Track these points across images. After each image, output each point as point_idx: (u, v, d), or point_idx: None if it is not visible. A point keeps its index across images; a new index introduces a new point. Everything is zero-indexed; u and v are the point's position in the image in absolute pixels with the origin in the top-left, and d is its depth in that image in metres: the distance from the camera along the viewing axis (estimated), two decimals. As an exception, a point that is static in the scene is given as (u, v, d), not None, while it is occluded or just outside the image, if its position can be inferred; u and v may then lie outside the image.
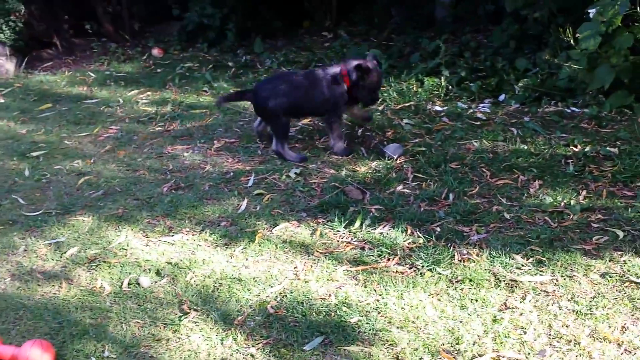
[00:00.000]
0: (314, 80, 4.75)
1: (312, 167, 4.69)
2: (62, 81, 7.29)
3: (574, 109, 5.47)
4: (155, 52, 8.14)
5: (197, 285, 3.42)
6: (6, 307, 3.27)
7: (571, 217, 3.82)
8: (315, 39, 8.64)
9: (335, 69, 4.78)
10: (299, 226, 3.96)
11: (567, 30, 5.46)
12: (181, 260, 3.64)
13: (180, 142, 5.32)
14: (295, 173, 4.60)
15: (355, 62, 4.73)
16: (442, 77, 6.27)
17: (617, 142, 4.71)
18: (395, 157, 4.68)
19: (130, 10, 8.79)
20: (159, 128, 5.62)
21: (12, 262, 3.71)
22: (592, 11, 5.00)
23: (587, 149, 4.62)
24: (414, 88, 6.22)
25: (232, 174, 4.67)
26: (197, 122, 5.67)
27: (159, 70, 7.41)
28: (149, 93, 6.55)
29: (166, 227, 4.02)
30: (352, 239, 3.79)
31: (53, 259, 3.72)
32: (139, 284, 3.46)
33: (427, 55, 7.04)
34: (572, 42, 5.55)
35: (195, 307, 3.23)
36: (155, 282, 3.48)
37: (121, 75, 7.29)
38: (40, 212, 4.27)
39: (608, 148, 4.61)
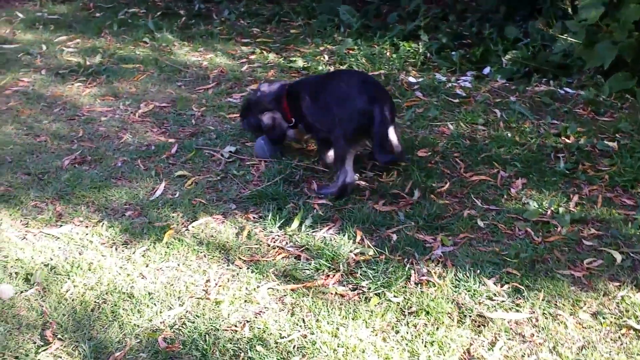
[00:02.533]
0: None
1: (252, 144, 3.86)
2: (-17, 20, 6.31)
3: (567, 89, 4.68)
4: (100, -8, 7.11)
5: (73, 300, 2.62)
6: None
7: (559, 230, 3.07)
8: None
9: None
10: (223, 222, 3.16)
11: (567, -5, 4.64)
12: (61, 263, 2.83)
13: (100, 103, 4.43)
14: (231, 152, 3.77)
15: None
16: (420, 43, 5.42)
17: (617, 135, 3.94)
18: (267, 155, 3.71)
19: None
20: (79, 84, 4.71)
21: None
22: (598, -25, 4.17)
23: (582, 141, 3.85)
24: (388, 53, 5.37)
25: (153, 147, 3.82)
26: (127, 79, 4.78)
27: (97, 14, 6.42)
28: (78, 40, 5.60)
29: (55, 214, 3.19)
30: (286, 243, 3.01)
31: None
32: (-2, 293, 2.65)
33: (406, 17, 6.16)
34: (570, 10, 4.75)
35: (61, 334, 2.44)
36: (21, 292, 2.67)
37: (53, 18, 6.29)
38: None
39: (606, 142, 3.84)
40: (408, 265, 2.82)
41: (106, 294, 2.66)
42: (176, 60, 5.14)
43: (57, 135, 3.95)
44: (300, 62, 5.12)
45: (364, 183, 3.47)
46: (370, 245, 2.96)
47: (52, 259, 2.86)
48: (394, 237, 3.03)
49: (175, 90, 4.61)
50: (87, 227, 3.10)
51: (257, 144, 3.71)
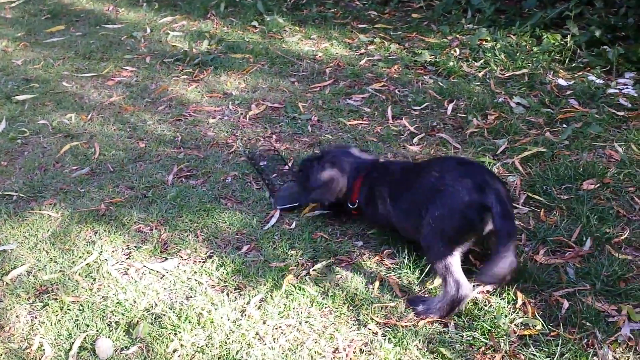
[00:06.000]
0: None
1: (379, 162, 3.30)
2: (87, -5, 6.01)
3: None
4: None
5: (180, 367, 2.20)
6: None
7: None
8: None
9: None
10: (349, 264, 2.66)
11: None
12: (167, 312, 2.41)
13: (208, 101, 3.99)
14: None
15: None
16: (568, 36, 4.65)
17: None
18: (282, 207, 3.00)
19: None
20: (185, 76, 4.29)
21: None
22: None
23: None
24: (528, 47, 4.64)
25: (266, 161, 3.35)
26: (236, 71, 4.31)
27: (204, -9, 5.99)
28: (184, 23, 5.19)
29: (160, 243, 2.78)
30: (428, 300, 2.47)
31: (-12, 283, 2.57)
32: (94, 349, 2.27)
33: (547, 1, 5.35)
34: None
35: (167, 418, 2.02)
36: (121, 349, 2.28)
37: (158, -6, 5.93)
38: (-3, 194, 3.11)
39: None
40: (590, 349, 2.21)
41: (218, 359, 2.22)
42: (288, 50, 4.63)
43: (162, 140, 3.55)
44: (426, 56, 4.49)
45: (517, 222, 2.86)
46: (537, 315, 2.37)
47: (156, 305, 2.45)
48: (565, 304, 2.42)
49: (288, 87, 4.11)
50: (195, 262, 2.67)
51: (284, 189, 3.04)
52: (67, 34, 5.02)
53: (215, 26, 5.10)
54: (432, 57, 4.50)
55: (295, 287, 2.52)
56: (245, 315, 2.41)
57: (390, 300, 2.48)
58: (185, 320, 2.37)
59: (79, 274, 2.59)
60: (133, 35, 4.94)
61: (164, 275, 2.60)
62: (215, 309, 2.43)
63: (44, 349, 2.27)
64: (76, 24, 5.25)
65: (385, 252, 2.71)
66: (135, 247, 2.75)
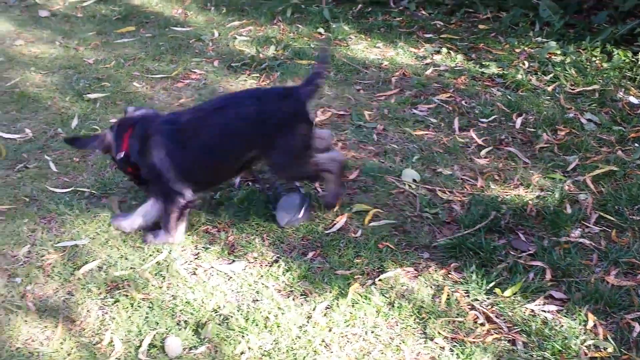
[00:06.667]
0: None
1: (446, 174, 3.28)
2: (156, -2, 6.13)
3: None
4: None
5: (247, 369, 2.23)
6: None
7: None
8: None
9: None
10: (415, 277, 2.64)
11: None
12: (234, 314, 2.45)
13: (274, 106, 4.03)
14: (415, 180, 3.21)
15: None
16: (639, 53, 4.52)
17: None
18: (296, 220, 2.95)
19: None
20: (252, 81, 4.34)
21: (5, 271, 2.68)
22: None
23: None
24: (598, 63, 4.52)
25: (332, 167, 3.36)
26: (302, 77, 4.33)
27: (270, -3, 6.05)
28: (251, 28, 5.25)
29: (227, 245, 2.82)
30: (496, 316, 2.43)
31: (60, 276, 2.65)
32: (164, 347, 2.32)
33: (618, 16, 5.21)
34: None
35: (235, 420, 2.05)
36: (189, 348, 2.32)
37: (225, -1, 6.01)
38: (70, 189, 3.20)
39: None
40: (666, 379, 2.14)
41: (284, 364, 2.24)
42: (354, 57, 4.63)
43: (229, 143, 3.60)
44: (494, 68, 4.43)
45: (588, 242, 2.79)
46: (609, 337, 2.31)
47: (224, 306, 2.48)
48: (637, 327, 2.36)
49: (353, 95, 4.11)
50: (261, 266, 2.70)
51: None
52: (137, 35, 5.14)
53: (281, 32, 5.14)
54: (499, 69, 4.43)
55: (361, 296, 2.52)
56: (312, 321, 2.42)
57: (457, 314, 2.45)
58: (252, 323, 2.40)
59: (149, 272, 2.65)
60: (201, 39, 5.03)
61: (231, 277, 2.64)
62: (282, 314, 2.45)
63: (114, 345, 2.33)
64: (146, 26, 5.37)
65: (452, 265, 2.68)
66: (203, 247, 2.80)
